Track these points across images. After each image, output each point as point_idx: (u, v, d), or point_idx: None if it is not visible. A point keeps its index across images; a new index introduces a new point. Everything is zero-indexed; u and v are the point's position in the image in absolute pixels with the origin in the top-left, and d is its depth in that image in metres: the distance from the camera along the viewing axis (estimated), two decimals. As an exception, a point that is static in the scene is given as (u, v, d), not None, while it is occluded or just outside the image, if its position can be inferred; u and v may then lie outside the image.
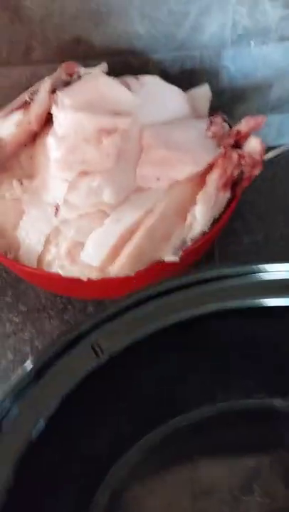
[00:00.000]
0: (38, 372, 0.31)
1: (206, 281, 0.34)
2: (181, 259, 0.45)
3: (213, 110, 0.59)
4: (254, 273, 0.34)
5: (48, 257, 0.48)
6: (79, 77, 0.53)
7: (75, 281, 0.46)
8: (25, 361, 0.53)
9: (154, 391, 0.36)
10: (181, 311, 0.33)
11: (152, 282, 0.34)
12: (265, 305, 0.34)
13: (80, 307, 0.57)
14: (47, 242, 0.48)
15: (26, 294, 0.59)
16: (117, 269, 0.42)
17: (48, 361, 0.31)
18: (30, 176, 0.53)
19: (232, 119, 0.68)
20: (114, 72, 0.58)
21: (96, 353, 0.31)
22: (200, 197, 0.45)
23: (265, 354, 0.38)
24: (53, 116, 0.50)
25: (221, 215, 0.49)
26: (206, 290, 0.34)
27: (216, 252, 0.58)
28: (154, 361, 0.34)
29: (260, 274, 0.35)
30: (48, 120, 0.53)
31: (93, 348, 0.31)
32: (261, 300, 0.34)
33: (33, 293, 0.59)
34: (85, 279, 0.44)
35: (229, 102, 0.67)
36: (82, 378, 0.30)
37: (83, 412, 0.32)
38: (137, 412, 0.36)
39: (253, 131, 0.51)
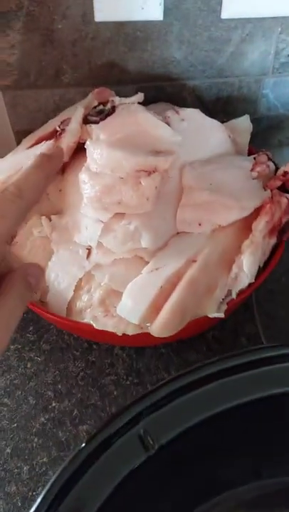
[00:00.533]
0: (82, 467, 0.27)
1: (257, 363, 0.31)
2: (225, 312, 0.42)
3: (251, 139, 0.56)
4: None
5: (80, 305, 0.45)
6: (113, 106, 0.50)
7: (109, 334, 0.42)
8: (47, 407, 0.51)
9: (200, 472, 0.33)
10: (235, 395, 0.30)
11: (204, 362, 0.31)
12: None
13: (107, 347, 0.54)
14: (78, 287, 0.45)
15: (49, 330, 0.56)
16: (158, 329, 0.39)
17: (92, 453, 0.28)
18: (59, 212, 0.50)
19: (268, 146, 0.65)
20: (147, 97, 0.54)
21: (144, 444, 0.27)
22: (247, 247, 0.42)
23: None
24: (87, 150, 0.46)
25: (265, 263, 0.45)
26: (257, 373, 0.31)
27: (253, 297, 0.55)
28: (204, 447, 0.31)
29: None
30: (77, 149, 0.50)
31: (141, 439, 0.27)
32: None
33: (56, 329, 0.56)
34: (120, 333, 0.41)
35: (266, 130, 0.64)
36: (129, 473, 0.27)
37: (130, 501, 0.29)
38: (183, 494, 0.33)
39: (301, 171, 0.47)
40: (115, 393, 0.51)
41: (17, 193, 0.30)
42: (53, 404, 0.50)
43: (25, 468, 0.46)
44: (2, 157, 0.54)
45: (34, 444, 0.48)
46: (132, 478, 0.28)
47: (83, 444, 0.29)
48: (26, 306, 0.30)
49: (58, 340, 0.55)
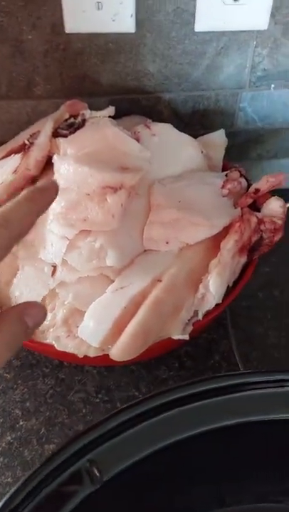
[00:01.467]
0: (25, 500, 0.26)
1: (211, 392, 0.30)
2: (190, 334, 0.41)
3: (227, 152, 0.55)
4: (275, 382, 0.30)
5: (43, 324, 0.43)
6: (83, 120, 0.49)
7: (71, 354, 0.41)
8: (14, 426, 0.50)
9: (156, 503, 0.32)
10: (191, 425, 0.29)
11: (157, 391, 0.30)
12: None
13: (77, 364, 0.53)
14: (42, 305, 0.44)
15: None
16: (119, 352, 0.38)
17: (37, 486, 0.26)
18: (27, 227, 0.49)
19: (247, 160, 0.64)
20: (121, 110, 0.53)
21: (90, 477, 0.26)
22: (214, 267, 0.41)
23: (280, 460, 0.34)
24: (54, 165, 0.45)
25: (235, 282, 0.44)
26: (215, 402, 0.30)
27: (228, 314, 0.54)
28: (157, 478, 0.30)
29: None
30: (47, 163, 0.49)
31: (87, 471, 0.26)
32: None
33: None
34: (81, 355, 0.40)
35: (244, 144, 0.63)
36: (75, 507, 0.26)
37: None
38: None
39: (273, 189, 0.46)
40: (84, 411, 0.50)
41: (3, 223, 0.27)
42: (20, 423, 0.49)
43: (-12, 488, 0.45)
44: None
45: (-1, 464, 0.47)
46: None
47: (30, 472, 0.28)
48: (18, 347, 0.27)
49: (28, 356, 0.54)
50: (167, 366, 0.52)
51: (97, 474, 0.27)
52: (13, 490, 0.27)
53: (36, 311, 0.28)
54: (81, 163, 0.43)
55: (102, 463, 0.27)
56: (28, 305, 0.28)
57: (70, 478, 0.27)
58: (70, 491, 0.27)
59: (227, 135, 0.56)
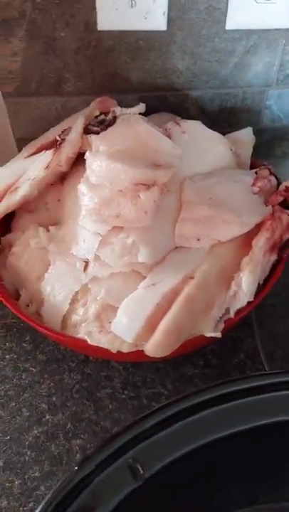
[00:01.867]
0: (69, 495, 0.27)
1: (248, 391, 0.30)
2: (222, 331, 0.41)
3: (253, 150, 0.55)
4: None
5: (75, 318, 0.44)
6: (114, 117, 0.49)
7: (103, 350, 0.41)
8: (41, 420, 0.50)
9: (195, 500, 0.32)
10: (227, 424, 0.29)
11: (195, 390, 0.30)
12: None
13: (103, 359, 0.53)
14: (74, 300, 0.44)
15: (45, 340, 0.55)
16: (153, 349, 0.38)
17: (80, 481, 0.27)
18: (57, 222, 0.49)
19: (272, 157, 0.64)
20: (149, 107, 0.54)
21: (134, 473, 0.27)
22: (247, 264, 0.41)
23: None
24: (87, 161, 0.46)
25: (265, 280, 0.44)
26: (252, 401, 0.30)
27: (253, 312, 0.54)
28: (195, 477, 0.30)
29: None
30: (76, 158, 0.49)
31: (130, 468, 0.27)
32: None
33: (53, 340, 0.55)
34: (114, 351, 0.40)
35: (270, 141, 0.63)
36: (119, 502, 0.26)
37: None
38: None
39: (304, 187, 0.46)
40: (110, 407, 0.50)
41: None
42: (47, 417, 0.50)
43: (16, 482, 0.46)
44: (3, 164, 0.54)
45: (27, 458, 0.47)
46: (122, 508, 0.27)
47: (76, 468, 0.28)
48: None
49: (54, 350, 0.54)
50: (193, 364, 0.53)
51: (141, 471, 0.27)
52: (57, 486, 0.28)
53: None
54: (114, 159, 0.44)
55: (143, 460, 0.27)
56: None
57: (113, 475, 0.27)
58: (114, 486, 0.27)
59: (253, 133, 0.56)
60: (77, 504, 0.26)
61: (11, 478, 0.46)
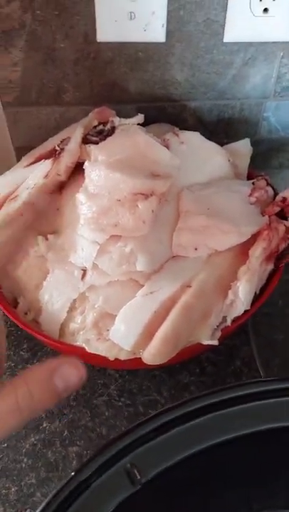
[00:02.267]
0: (66, 500, 0.27)
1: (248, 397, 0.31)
2: (219, 339, 0.41)
3: (251, 160, 0.56)
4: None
5: (73, 326, 0.44)
6: (113, 127, 0.50)
7: (101, 357, 0.42)
8: (38, 429, 0.50)
9: (191, 506, 0.32)
10: (224, 430, 0.29)
11: (191, 397, 0.30)
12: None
13: (100, 367, 0.53)
14: (72, 308, 0.45)
15: (43, 348, 0.55)
16: (150, 356, 0.39)
17: (78, 486, 0.27)
18: (56, 231, 0.50)
19: (269, 168, 0.65)
20: (148, 117, 0.54)
21: (131, 478, 0.27)
22: (244, 274, 0.42)
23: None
24: (86, 171, 0.46)
25: (262, 289, 0.45)
26: (248, 408, 0.30)
27: (249, 320, 0.54)
28: (192, 482, 0.31)
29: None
30: (75, 168, 0.50)
31: (127, 473, 0.27)
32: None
33: (50, 347, 0.55)
34: (112, 358, 0.41)
35: (267, 152, 0.64)
36: (116, 507, 0.26)
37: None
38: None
39: (300, 198, 0.47)
40: (106, 414, 0.50)
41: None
42: (44, 425, 0.50)
43: (13, 489, 0.46)
44: (2, 173, 0.54)
45: (23, 465, 0.47)
46: (119, 512, 0.27)
47: (72, 473, 0.28)
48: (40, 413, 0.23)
49: (53, 358, 0.54)
50: (189, 371, 0.53)
51: (138, 476, 0.27)
52: (54, 491, 0.28)
53: (70, 369, 0.24)
54: (113, 169, 0.44)
55: (141, 465, 0.28)
56: (63, 362, 0.24)
57: (111, 479, 0.27)
58: (111, 491, 0.27)
59: (250, 144, 0.57)
60: (74, 509, 0.26)
61: (7, 485, 0.46)
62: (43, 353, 0.55)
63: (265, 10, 0.50)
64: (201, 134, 0.52)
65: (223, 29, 0.52)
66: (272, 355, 0.54)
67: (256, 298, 0.45)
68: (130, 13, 0.49)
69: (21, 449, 0.48)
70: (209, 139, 0.52)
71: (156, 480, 0.28)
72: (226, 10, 0.50)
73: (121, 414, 0.50)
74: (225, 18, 0.51)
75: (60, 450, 0.48)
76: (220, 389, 0.31)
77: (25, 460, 0.47)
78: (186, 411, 0.30)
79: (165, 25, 0.51)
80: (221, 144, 0.54)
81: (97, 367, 0.53)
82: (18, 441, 0.48)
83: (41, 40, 0.51)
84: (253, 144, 0.57)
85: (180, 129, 0.54)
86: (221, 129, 0.60)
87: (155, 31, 0.51)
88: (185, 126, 0.57)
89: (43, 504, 0.27)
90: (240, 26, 0.51)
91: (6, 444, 0.48)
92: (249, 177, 0.53)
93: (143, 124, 0.52)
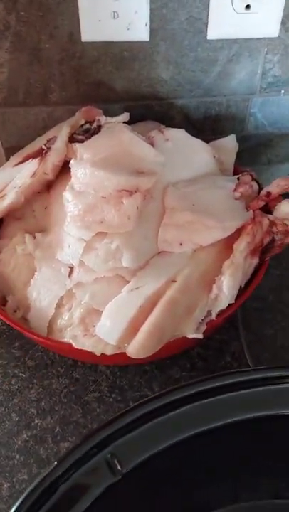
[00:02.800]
0: (48, 490, 0.27)
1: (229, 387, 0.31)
2: (204, 333, 0.42)
3: (238, 156, 0.56)
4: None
5: (60, 323, 0.45)
6: (99, 126, 0.50)
7: (88, 353, 0.42)
8: (29, 426, 0.51)
9: (174, 497, 0.32)
10: (204, 420, 0.30)
11: (175, 387, 0.31)
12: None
13: (91, 364, 0.54)
14: (59, 305, 0.45)
15: (34, 346, 0.56)
16: (135, 350, 0.39)
17: (60, 477, 0.28)
18: (44, 229, 0.50)
19: (257, 164, 0.65)
20: (135, 115, 0.55)
21: (111, 468, 0.27)
22: (227, 268, 0.42)
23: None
24: (72, 169, 0.47)
25: (247, 283, 0.45)
26: (228, 398, 0.31)
27: (239, 315, 0.55)
28: (173, 472, 0.31)
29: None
30: (63, 167, 0.50)
31: (108, 463, 0.27)
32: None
33: (41, 345, 0.56)
34: (98, 353, 0.41)
35: (255, 148, 0.64)
36: (96, 497, 0.27)
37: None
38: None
39: (284, 192, 0.47)
40: (98, 410, 0.51)
41: None
42: (36, 421, 0.50)
43: (5, 485, 0.46)
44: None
45: (15, 461, 0.48)
46: (100, 502, 0.28)
47: (55, 463, 0.29)
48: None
49: (43, 356, 0.55)
50: (180, 367, 0.53)
51: (118, 467, 0.28)
52: (36, 481, 0.29)
53: None
54: (97, 167, 0.45)
55: (121, 456, 0.28)
56: None
57: (91, 470, 0.28)
58: (92, 481, 0.28)
59: (238, 140, 0.57)
60: (55, 499, 0.27)
61: (-1, 482, 0.46)
62: (34, 350, 0.55)
63: (248, 7, 0.51)
64: (188, 131, 0.52)
65: (207, 27, 0.52)
66: (262, 349, 0.55)
67: (242, 292, 0.45)
68: (113, 12, 0.49)
69: (13, 445, 0.48)
70: (197, 135, 0.53)
71: (137, 470, 0.29)
72: (209, 7, 0.50)
73: (112, 410, 0.51)
74: (208, 15, 0.51)
75: (52, 446, 0.48)
76: (199, 380, 0.31)
77: (17, 456, 0.48)
78: (165, 402, 0.30)
79: (148, 24, 0.51)
80: (209, 140, 0.55)
81: (88, 364, 0.53)
82: (10, 438, 0.49)
83: (26, 41, 0.51)
84: (240, 140, 0.58)
85: (167, 126, 0.55)
86: (208, 126, 0.61)
87: (139, 30, 0.51)
88: (172, 124, 0.58)
89: (24, 494, 0.27)
90: (223, 23, 0.52)
91: (-2, 441, 0.49)
92: (235, 173, 0.53)
93: (130, 122, 0.52)
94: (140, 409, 0.30)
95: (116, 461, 0.28)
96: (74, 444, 0.29)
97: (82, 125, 0.52)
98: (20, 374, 0.54)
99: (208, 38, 0.53)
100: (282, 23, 0.53)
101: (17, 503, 0.27)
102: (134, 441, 0.29)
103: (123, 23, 0.50)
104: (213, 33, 0.52)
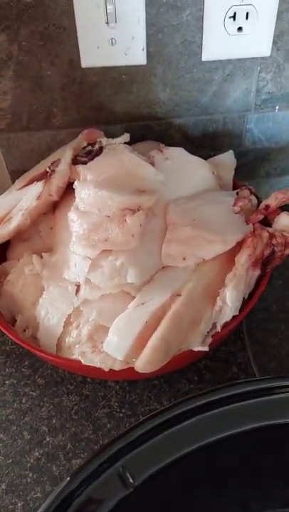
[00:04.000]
0: (61, 506, 0.28)
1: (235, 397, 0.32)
2: (210, 346, 0.43)
3: (237, 171, 0.58)
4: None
5: (69, 340, 0.46)
6: (101, 147, 0.52)
7: (97, 369, 0.43)
8: (41, 444, 0.51)
9: (186, 508, 0.33)
10: (213, 431, 0.31)
11: (183, 399, 0.31)
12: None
13: (101, 379, 0.54)
14: (67, 323, 0.46)
15: (44, 364, 0.57)
16: (142, 364, 0.40)
17: (73, 492, 0.28)
18: (50, 249, 0.52)
19: (256, 177, 0.67)
20: (135, 136, 0.57)
21: (123, 481, 0.28)
22: (230, 280, 0.43)
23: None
24: (76, 190, 0.48)
25: (251, 294, 0.46)
26: (237, 408, 0.32)
27: (244, 326, 0.55)
28: (185, 483, 0.32)
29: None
30: (67, 188, 0.52)
31: (120, 477, 0.28)
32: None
33: (50, 363, 0.57)
34: (106, 369, 0.42)
35: (253, 162, 0.66)
36: (110, 510, 0.28)
37: None
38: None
39: (283, 204, 0.49)
40: (108, 426, 0.51)
41: None
42: (47, 439, 0.51)
43: (19, 504, 0.47)
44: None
45: (28, 480, 0.48)
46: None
47: (68, 478, 0.30)
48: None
49: (53, 374, 0.56)
50: (188, 379, 0.54)
51: (130, 479, 0.28)
52: (52, 496, 0.29)
53: None
54: (101, 187, 0.46)
55: (133, 469, 0.29)
56: None
57: (104, 484, 0.28)
58: (105, 495, 0.28)
59: (236, 155, 0.59)
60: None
61: (13, 501, 0.47)
62: (44, 368, 0.56)
63: (240, 29, 0.53)
64: (187, 148, 0.54)
65: (201, 49, 0.54)
66: (268, 359, 0.55)
67: (245, 303, 0.46)
68: (111, 39, 0.51)
69: (26, 463, 0.49)
70: (196, 152, 0.54)
71: (149, 482, 0.29)
72: (202, 31, 0.52)
73: (123, 425, 0.51)
74: (202, 38, 0.53)
75: (64, 463, 0.49)
76: (206, 391, 0.32)
77: (30, 475, 0.48)
78: (174, 414, 0.31)
79: (145, 49, 0.53)
80: (208, 157, 0.56)
81: (97, 380, 0.54)
82: (22, 457, 0.49)
83: (28, 69, 0.53)
84: (238, 155, 0.59)
85: (167, 145, 0.56)
86: (206, 143, 0.62)
87: (136, 55, 0.53)
88: (172, 142, 0.60)
89: (40, 509, 0.28)
90: (217, 45, 0.54)
91: (10, 460, 0.49)
92: (234, 187, 0.55)
93: (130, 143, 0.54)
94: (150, 423, 0.31)
95: (128, 474, 0.29)
96: (86, 459, 0.29)
97: (84, 147, 0.53)
98: (31, 392, 0.55)
99: (203, 59, 0.55)
100: (274, 42, 0.55)
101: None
102: (145, 454, 0.30)
103: (121, 49, 0.52)
104: (208, 54, 0.54)
